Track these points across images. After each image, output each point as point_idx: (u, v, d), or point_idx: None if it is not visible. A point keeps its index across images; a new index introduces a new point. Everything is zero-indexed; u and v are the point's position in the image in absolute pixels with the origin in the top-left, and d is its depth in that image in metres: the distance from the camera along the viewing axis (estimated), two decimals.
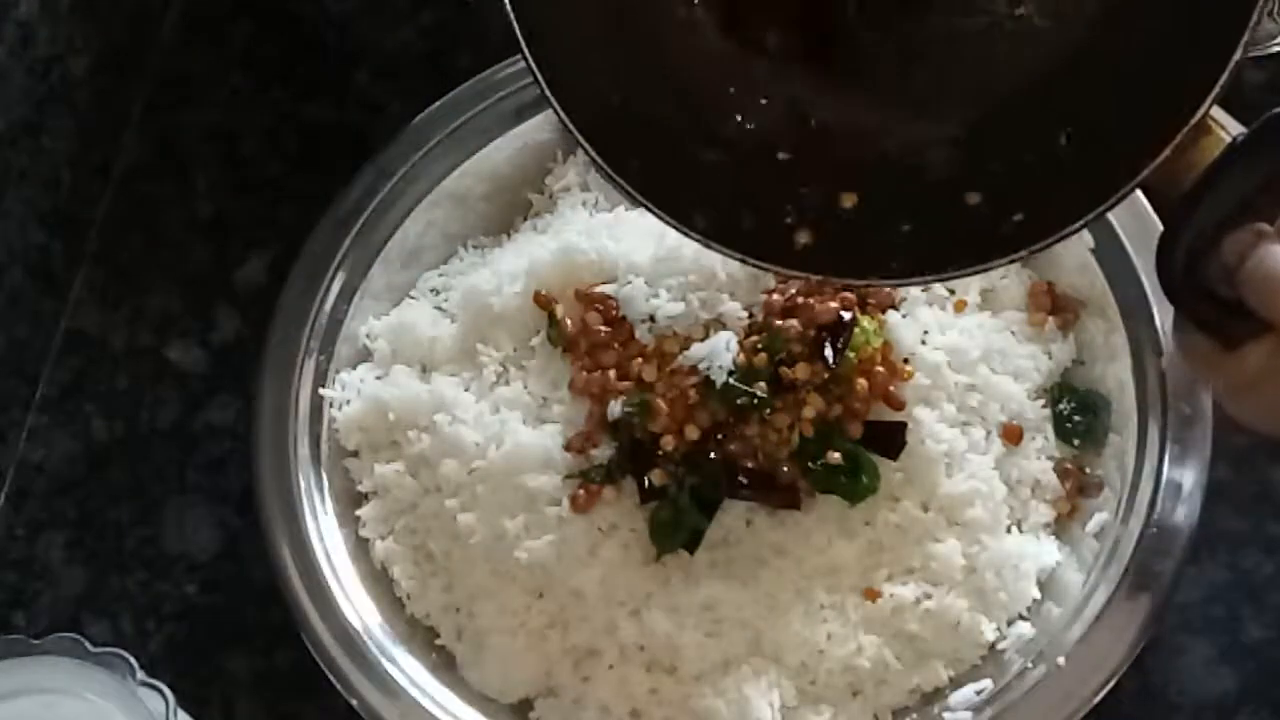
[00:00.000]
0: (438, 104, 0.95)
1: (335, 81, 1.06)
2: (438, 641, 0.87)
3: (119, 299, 1.02)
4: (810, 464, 0.83)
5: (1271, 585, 0.89)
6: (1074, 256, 0.89)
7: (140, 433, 0.98)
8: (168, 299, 1.01)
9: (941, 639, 0.83)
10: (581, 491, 0.83)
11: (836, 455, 0.82)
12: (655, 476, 0.83)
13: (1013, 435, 0.86)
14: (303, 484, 0.88)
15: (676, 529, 0.83)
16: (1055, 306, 0.89)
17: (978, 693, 0.82)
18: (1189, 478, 0.82)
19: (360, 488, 0.90)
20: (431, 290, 0.94)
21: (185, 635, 0.93)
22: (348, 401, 0.90)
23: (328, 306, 0.92)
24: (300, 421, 0.89)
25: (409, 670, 0.84)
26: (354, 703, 0.83)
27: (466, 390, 0.88)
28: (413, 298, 0.94)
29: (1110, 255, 0.87)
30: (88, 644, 0.79)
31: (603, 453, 0.84)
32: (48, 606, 0.94)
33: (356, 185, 0.94)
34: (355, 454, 0.90)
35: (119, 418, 0.99)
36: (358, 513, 0.89)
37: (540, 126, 0.95)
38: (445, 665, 0.86)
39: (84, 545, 0.95)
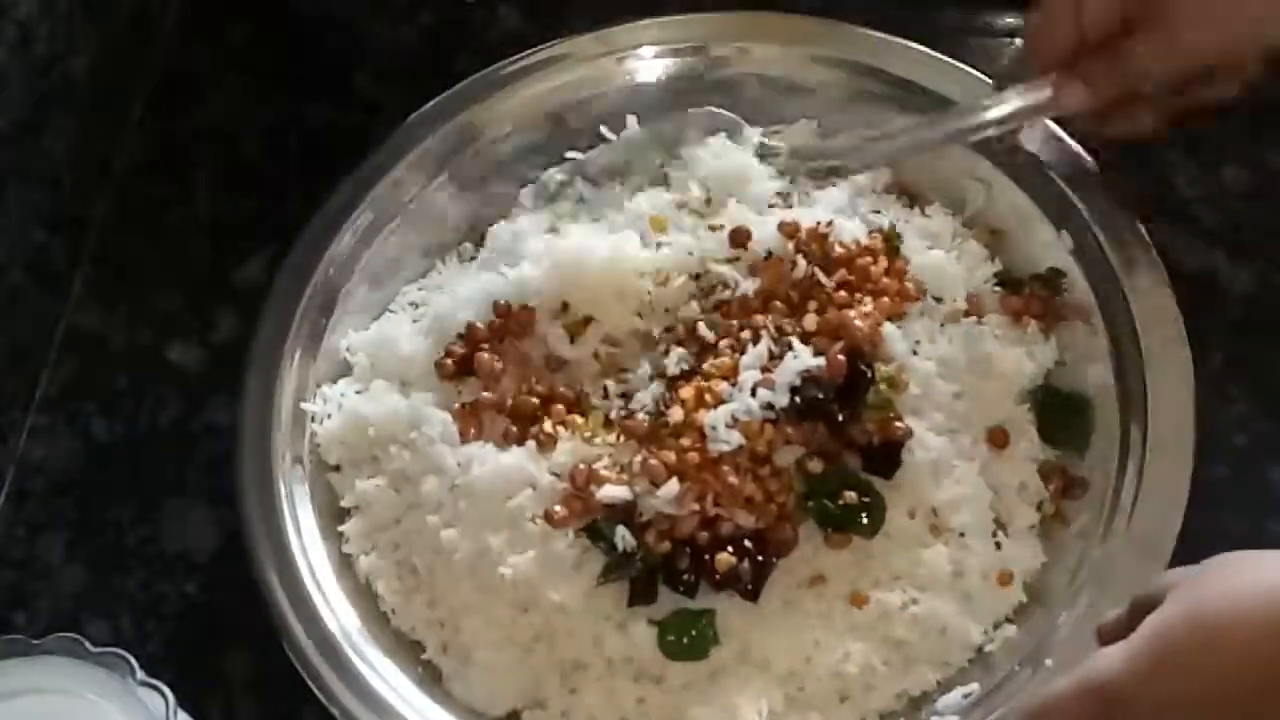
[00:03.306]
0: (431, 103, 0.96)
1: (335, 81, 1.07)
2: (424, 656, 0.86)
3: (119, 299, 1.02)
4: (827, 503, 0.83)
5: None
6: (1054, 259, 0.89)
7: (140, 433, 0.98)
8: (168, 299, 1.02)
9: (929, 643, 0.83)
10: (558, 508, 0.83)
11: (852, 495, 0.82)
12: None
13: (998, 440, 0.86)
14: (285, 500, 0.87)
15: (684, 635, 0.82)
16: (1036, 309, 0.89)
17: (965, 696, 0.82)
18: (1173, 478, 0.82)
19: (343, 503, 0.89)
20: (410, 304, 0.94)
21: (185, 635, 0.92)
22: (329, 416, 0.90)
23: (309, 320, 0.91)
24: (282, 435, 0.89)
25: (395, 684, 0.83)
26: (338, 716, 0.82)
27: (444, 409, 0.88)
28: (392, 311, 0.94)
29: (1090, 257, 0.88)
30: (88, 644, 0.78)
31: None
32: (48, 606, 0.93)
33: (335, 198, 0.94)
34: (337, 469, 0.90)
35: (119, 418, 0.99)
36: (341, 528, 0.88)
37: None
38: (431, 679, 0.86)
39: (84, 545, 0.95)
